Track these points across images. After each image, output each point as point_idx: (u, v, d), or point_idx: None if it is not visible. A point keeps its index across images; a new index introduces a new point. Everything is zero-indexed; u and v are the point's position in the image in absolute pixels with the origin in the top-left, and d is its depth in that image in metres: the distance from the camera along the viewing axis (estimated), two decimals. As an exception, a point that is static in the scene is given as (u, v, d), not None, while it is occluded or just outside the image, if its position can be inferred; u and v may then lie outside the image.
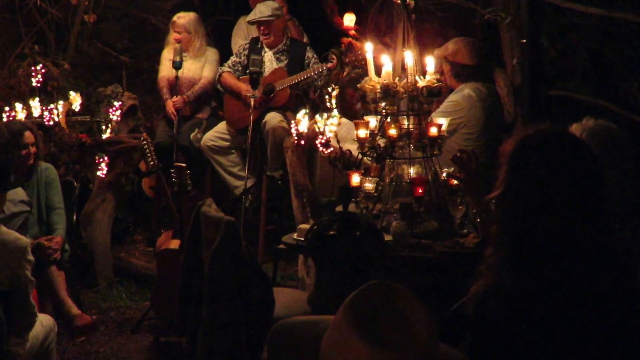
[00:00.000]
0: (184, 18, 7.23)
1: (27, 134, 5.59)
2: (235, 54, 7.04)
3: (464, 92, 5.32)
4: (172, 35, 7.25)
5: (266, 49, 6.83)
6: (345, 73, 5.71)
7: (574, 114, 4.29)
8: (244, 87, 6.58)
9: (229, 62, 7.01)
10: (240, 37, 7.50)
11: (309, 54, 6.76)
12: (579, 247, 2.24)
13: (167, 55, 7.19)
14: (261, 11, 6.72)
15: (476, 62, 5.42)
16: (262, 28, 6.76)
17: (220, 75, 6.97)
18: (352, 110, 6.01)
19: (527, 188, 2.30)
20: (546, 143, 2.33)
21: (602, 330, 2.22)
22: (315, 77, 6.28)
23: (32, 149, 5.61)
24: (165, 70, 7.24)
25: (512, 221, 2.32)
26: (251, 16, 6.82)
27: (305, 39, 7.28)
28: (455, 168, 4.15)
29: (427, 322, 1.94)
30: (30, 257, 4.07)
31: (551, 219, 2.26)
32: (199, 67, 7.29)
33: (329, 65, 6.05)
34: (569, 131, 2.61)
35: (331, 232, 2.63)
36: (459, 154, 3.99)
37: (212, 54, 7.38)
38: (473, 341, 2.35)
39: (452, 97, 5.34)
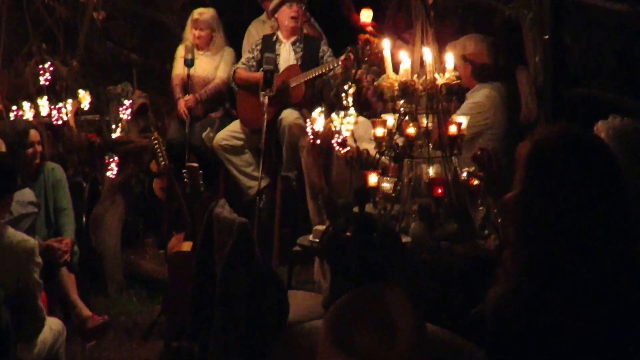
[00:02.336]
0: (207, 14, 7.15)
1: (33, 132, 5.59)
2: (248, 50, 7.00)
3: (485, 92, 5.23)
4: (192, 32, 7.14)
5: (283, 40, 6.78)
6: (362, 71, 5.64)
7: (599, 114, 4.22)
8: (260, 79, 6.45)
9: (243, 59, 6.97)
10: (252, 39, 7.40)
11: (324, 47, 6.76)
12: (597, 253, 2.19)
13: (182, 53, 7.10)
14: None
15: (495, 61, 5.35)
16: (295, 9, 6.68)
17: (234, 72, 6.90)
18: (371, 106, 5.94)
19: (544, 190, 2.25)
20: (562, 144, 2.28)
21: (621, 342, 2.16)
22: (329, 73, 6.24)
23: (38, 148, 5.60)
24: (180, 68, 7.16)
25: (528, 224, 2.27)
26: None
27: (323, 41, 7.21)
28: (476, 167, 4.09)
29: (413, 328, 1.87)
30: (38, 260, 4.05)
31: (568, 223, 2.20)
32: (214, 67, 7.22)
33: (343, 58, 5.98)
34: (587, 131, 2.55)
35: (347, 234, 2.52)
36: (479, 153, 3.94)
37: (228, 53, 7.30)
38: (490, 349, 2.32)
39: (474, 98, 5.23)
